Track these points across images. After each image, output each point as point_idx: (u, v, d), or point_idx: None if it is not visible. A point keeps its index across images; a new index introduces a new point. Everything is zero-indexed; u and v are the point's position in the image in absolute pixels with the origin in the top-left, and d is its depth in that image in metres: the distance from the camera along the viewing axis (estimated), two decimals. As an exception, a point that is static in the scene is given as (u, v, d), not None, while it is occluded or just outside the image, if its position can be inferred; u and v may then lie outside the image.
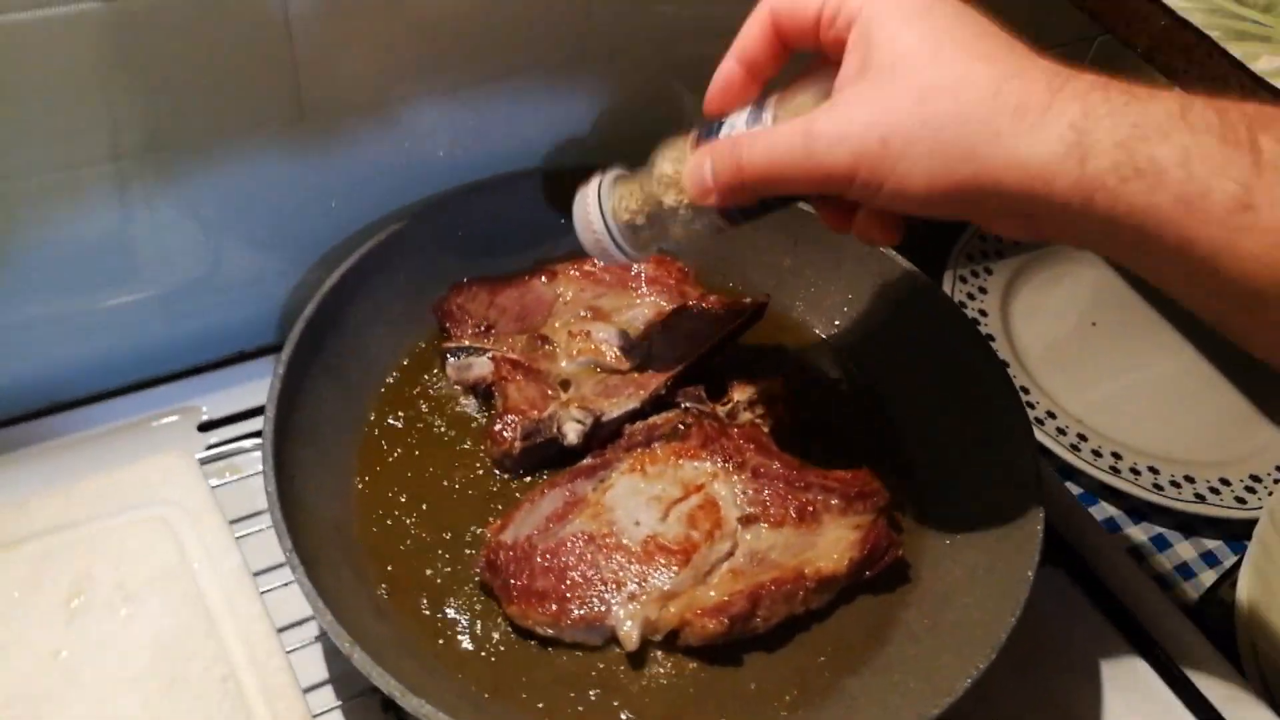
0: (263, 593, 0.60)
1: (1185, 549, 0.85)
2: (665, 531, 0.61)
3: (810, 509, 0.63)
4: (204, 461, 0.67)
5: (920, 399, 0.71)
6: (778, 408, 0.68)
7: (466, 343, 0.69)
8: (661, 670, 0.59)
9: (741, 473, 0.64)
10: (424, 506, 0.64)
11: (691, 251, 0.75)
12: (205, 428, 0.70)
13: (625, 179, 0.60)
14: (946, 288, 0.94)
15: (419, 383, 0.70)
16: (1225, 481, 0.86)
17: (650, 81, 0.78)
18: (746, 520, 0.62)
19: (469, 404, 0.69)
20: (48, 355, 0.69)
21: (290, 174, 0.70)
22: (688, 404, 0.67)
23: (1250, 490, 0.86)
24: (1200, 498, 0.85)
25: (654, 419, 0.66)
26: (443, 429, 0.68)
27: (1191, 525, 0.86)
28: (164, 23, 0.58)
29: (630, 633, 0.58)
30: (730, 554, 0.61)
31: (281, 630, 0.59)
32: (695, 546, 0.61)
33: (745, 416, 0.67)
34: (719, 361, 0.70)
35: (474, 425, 0.69)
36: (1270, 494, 0.84)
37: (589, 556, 0.60)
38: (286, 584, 0.62)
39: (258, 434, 0.69)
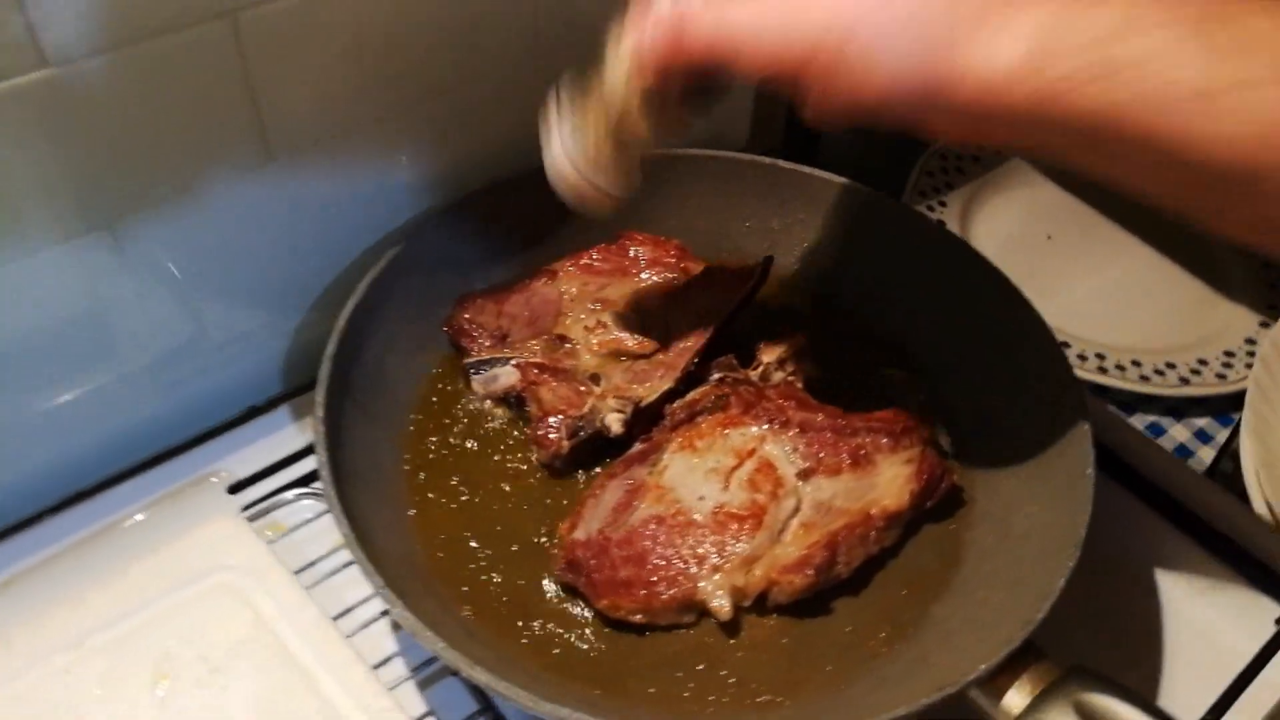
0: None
1: (1179, 431, 0.89)
2: (731, 500, 0.62)
3: (862, 452, 0.64)
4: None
5: (932, 327, 0.73)
6: (805, 362, 0.69)
7: (486, 355, 0.69)
8: (758, 633, 0.60)
9: (788, 430, 0.65)
10: (482, 523, 0.64)
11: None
12: (235, 489, 0.68)
13: (578, 113, 0.57)
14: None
15: (447, 403, 0.69)
16: (1203, 362, 0.90)
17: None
18: (804, 474, 0.63)
19: (501, 415, 0.69)
20: (53, 446, 0.66)
21: (265, 219, 0.68)
22: (721, 374, 0.68)
23: (1227, 365, 0.90)
24: (1185, 380, 0.89)
25: (691, 395, 0.67)
26: (480, 444, 0.68)
27: (1180, 409, 0.90)
28: (118, 82, 0.56)
29: (722, 603, 0.59)
30: (797, 509, 0.62)
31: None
32: (763, 508, 0.62)
33: (778, 376, 0.68)
34: (735, 330, 0.71)
35: (511, 435, 0.68)
36: (1248, 365, 0.89)
37: (663, 538, 0.61)
38: (365, 626, 0.61)
39: (291, 485, 0.68)
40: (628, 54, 0.52)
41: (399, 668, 0.60)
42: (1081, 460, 0.60)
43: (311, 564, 0.64)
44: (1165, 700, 0.62)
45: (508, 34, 0.72)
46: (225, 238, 0.67)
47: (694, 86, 0.52)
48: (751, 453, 0.64)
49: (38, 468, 0.67)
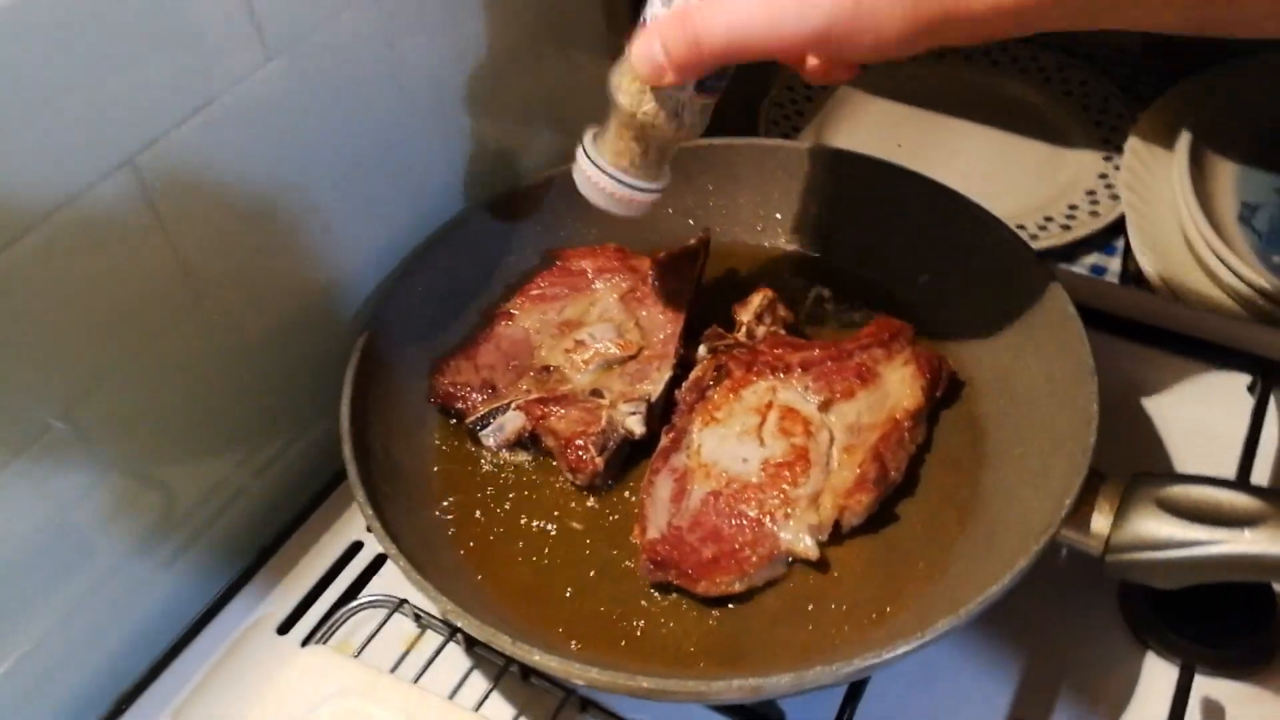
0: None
1: (1079, 271, 0.98)
2: (772, 452, 0.65)
3: (865, 369, 0.68)
4: (314, 653, 0.63)
5: (864, 241, 0.78)
6: (778, 310, 0.72)
7: (484, 410, 0.69)
8: (846, 559, 0.62)
9: (793, 373, 0.68)
10: (549, 564, 0.64)
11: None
12: (284, 629, 0.66)
13: (601, 132, 0.62)
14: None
15: (466, 468, 0.69)
16: (1073, 207, 0.99)
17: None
18: (824, 406, 0.67)
19: (520, 460, 0.69)
20: (90, 652, 0.63)
21: (205, 359, 0.66)
22: (712, 345, 0.70)
23: (1094, 203, 0.99)
24: (1066, 228, 0.97)
25: (694, 374, 0.69)
26: (514, 494, 0.68)
27: (1070, 253, 0.98)
28: (45, 264, 0.54)
29: (807, 544, 0.61)
30: (833, 439, 0.65)
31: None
32: (804, 448, 0.64)
33: (761, 330, 0.71)
34: (700, 306, 0.74)
35: (537, 475, 0.69)
36: (1112, 198, 0.98)
37: (728, 508, 0.63)
38: (485, 698, 0.60)
39: (338, 606, 0.67)
40: (637, 65, 0.55)
41: (532, 724, 0.60)
42: (1059, 302, 0.66)
43: (398, 663, 0.62)
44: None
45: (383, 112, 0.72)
46: (174, 388, 0.64)
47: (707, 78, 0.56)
48: (770, 405, 0.67)
49: (92, 672, 0.63)
